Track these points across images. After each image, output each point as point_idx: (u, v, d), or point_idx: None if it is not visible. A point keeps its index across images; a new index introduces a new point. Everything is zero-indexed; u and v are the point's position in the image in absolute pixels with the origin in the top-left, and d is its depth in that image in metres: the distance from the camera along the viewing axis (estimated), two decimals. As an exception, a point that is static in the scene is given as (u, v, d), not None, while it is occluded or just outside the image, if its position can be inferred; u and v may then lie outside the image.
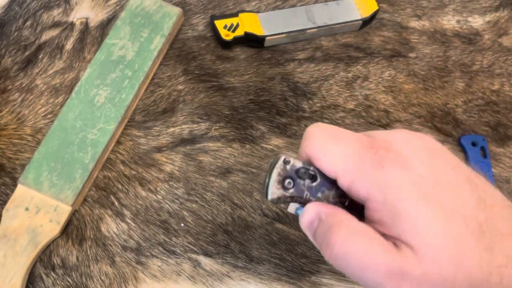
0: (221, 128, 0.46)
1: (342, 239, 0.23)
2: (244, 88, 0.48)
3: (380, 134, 0.25)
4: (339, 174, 0.25)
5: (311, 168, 0.26)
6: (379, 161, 0.24)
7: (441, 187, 0.23)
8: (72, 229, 0.42)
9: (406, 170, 0.23)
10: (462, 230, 0.22)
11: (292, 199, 0.26)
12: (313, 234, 0.26)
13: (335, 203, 0.26)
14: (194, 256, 0.41)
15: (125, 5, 0.49)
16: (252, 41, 0.49)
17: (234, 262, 0.41)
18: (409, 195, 0.22)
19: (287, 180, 0.26)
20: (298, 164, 0.26)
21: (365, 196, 0.24)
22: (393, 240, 0.23)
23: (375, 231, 0.24)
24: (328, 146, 0.25)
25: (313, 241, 0.26)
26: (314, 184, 0.26)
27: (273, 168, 0.26)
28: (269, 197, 0.26)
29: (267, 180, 0.26)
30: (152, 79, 0.48)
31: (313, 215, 0.26)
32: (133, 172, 0.44)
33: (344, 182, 0.25)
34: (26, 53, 0.48)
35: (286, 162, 0.26)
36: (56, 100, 0.46)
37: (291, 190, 0.26)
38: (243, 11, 0.49)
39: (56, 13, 0.50)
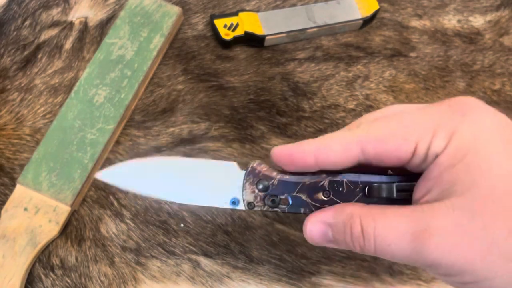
0: (221, 128, 0.46)
1: (375, 232, 0.23)
2: (244, 87, 0.48)
3: None
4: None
5: (272, 182, 0.28)
6: None
7: None
8: (71, 230, 0.42)
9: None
10: None
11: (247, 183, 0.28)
12: (333, 241, 0.26)
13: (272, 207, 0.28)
14: (194, 256, 0.41)
15: (125, 4, 0.48)
16: (252, 40, 0.49)
17: (234, 263, 0.41)
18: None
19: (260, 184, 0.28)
20: (272, 173, 0.28)
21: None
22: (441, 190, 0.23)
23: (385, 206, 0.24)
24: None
25: (335, 245, 0.26)
26: (263, 192, 0.28)
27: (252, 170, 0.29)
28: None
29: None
30: (152, 78, 0.47)
31: (320, 226, 0.26)
32: (133, 172, 0.44)
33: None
34: (25, 53, 0.47)
35: (257, 168, 0.28)
36: (55, 100, 0.46)
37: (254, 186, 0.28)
38: (243, 10, 0.49)
39: (55, 13, 0.49)
